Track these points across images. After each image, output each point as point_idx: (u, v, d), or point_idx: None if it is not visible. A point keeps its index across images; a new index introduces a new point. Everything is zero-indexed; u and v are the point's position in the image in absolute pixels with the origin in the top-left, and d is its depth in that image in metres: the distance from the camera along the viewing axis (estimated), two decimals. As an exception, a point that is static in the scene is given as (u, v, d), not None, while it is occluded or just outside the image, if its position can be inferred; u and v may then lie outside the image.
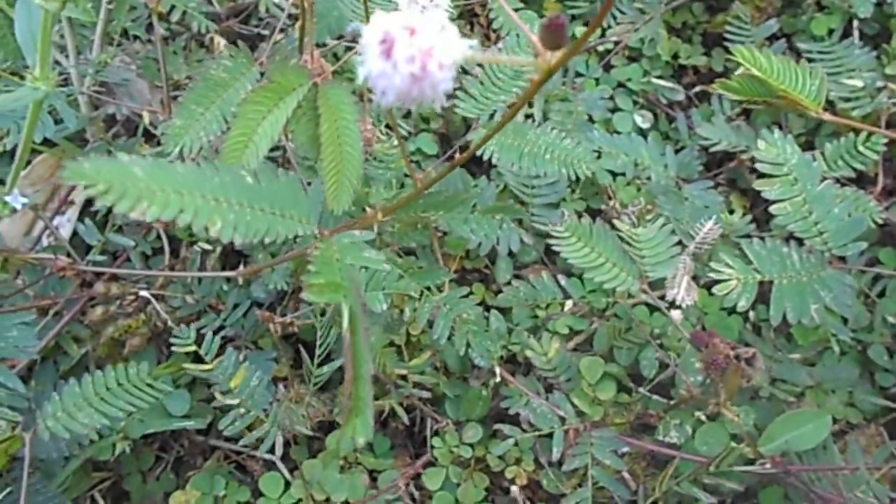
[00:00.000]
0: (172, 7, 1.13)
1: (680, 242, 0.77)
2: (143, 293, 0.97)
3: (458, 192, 0.96)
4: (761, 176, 0.84)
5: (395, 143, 1.01)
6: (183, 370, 1.09)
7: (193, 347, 0.89)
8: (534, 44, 0.49)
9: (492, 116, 0.93)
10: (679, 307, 0.75)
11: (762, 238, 0.84)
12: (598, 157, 0.91)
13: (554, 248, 0.73)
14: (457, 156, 1.09)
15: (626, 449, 0.85)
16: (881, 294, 1.06)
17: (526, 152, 0.90)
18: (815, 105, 0.70)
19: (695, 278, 0.76)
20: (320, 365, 1.15)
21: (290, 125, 0.74)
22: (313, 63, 0.83)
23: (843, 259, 0.83)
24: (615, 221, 0.74)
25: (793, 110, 0.73)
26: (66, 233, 1.27)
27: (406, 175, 1.05)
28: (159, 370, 1.05)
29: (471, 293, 1.01)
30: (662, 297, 0.75)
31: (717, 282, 0.79)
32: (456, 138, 1.36)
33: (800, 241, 0.82)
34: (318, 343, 0.98)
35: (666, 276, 0.74)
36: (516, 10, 1.10)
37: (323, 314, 0.94)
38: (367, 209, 0.91)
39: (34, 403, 0.91)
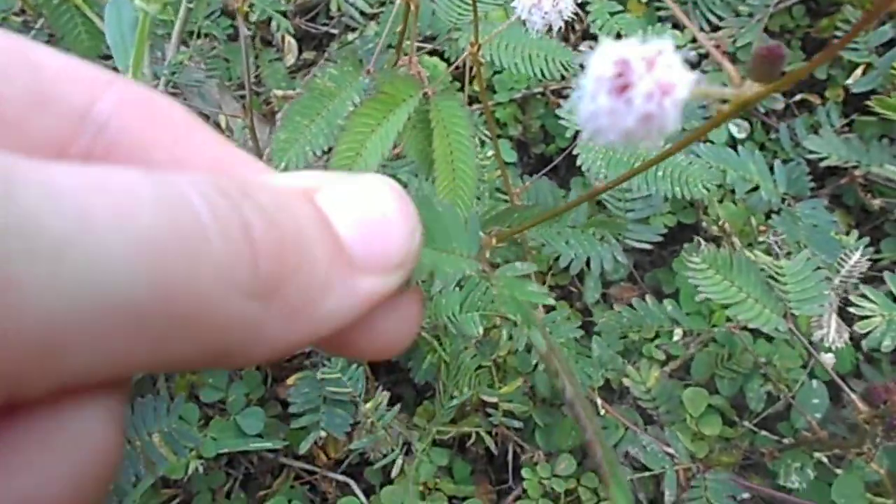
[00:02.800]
0: (252, 5, 1.08)
1: (826, 277, 0.70)
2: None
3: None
4: (889, 201, 0.76)
5: (490, 153, 0.95)
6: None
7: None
8: (729, 73, 0.43)
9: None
10: (830, 350, 0.68)
11: (876, 262, 0.76)
12: (724, 173, 0.84)
13: (690, 280, 0.67)
14: (544, 165, 1.03)
15: (745, 495, 0.79)
16: None
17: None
18: None
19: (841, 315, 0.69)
20: (389, 379, 1.10)
21: (399, 139, 0.69)
22: (413, 69, 0.78)
23: None
24: (757, 253, 0.68)
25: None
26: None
27: (498, 188, 0.99)
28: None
29: (569, 317, 0.95)
30: (804, 334, 0.68)
31: (858, 317, 0.72)
32: (534, 145, 1.30)
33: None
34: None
35: (812, 314, 0.67)
36: (614, 13, 1.03)
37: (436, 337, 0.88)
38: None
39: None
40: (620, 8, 1.03)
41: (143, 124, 0.24)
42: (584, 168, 0.87)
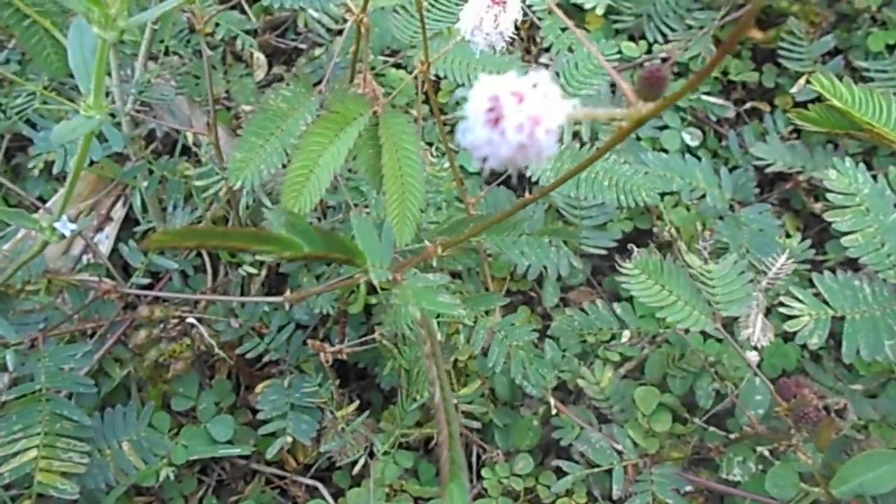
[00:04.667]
0: (217, 24, 1.12)
1: (752, 279, 0.74)
2: (190, 319, 0.95)
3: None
4: (827, 201, 0.81)
5: (446, 164, 0.99)
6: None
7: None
8: (625, 93, 0.47)
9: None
10: (755, 348, 0.72)
11: (821, 263, 0.81)
12: (671, 181, 0.88)
13: (623, 285, 0.71)
14: (502, 175, 1.07)
15: (689, 487, 0.83)
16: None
17: (583, 178, 0.88)
18: (902, 139, 0.67)
19: (767, 313, 0.73)
20: (358, 384, 1.14)
21: (350, 155, 0.73)
22: (366, 87, 0.82)
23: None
24: (686, 256, 0.72)
25: (879, 144, 0.70)
26: (105, 249, 1.26)
27: (456, 197, 1.03)
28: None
29: (521, 320, 0.99)
30: (732, 332, 0.72)
31: (787, 315, 0.76)
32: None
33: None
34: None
35: (739, 314, 0.71)
36: (564, 29, 1.07)
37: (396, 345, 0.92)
38: (422, 234, 0.89)
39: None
40: (569, 24, 1.07)
41: None
42: (532, 179, 0.91)
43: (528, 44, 1.35)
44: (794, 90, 1.13)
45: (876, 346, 0.77)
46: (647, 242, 1.15)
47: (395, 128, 0.73)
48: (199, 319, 1.03)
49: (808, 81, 1.16)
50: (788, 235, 1.12)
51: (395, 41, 1.19)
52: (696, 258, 0.72)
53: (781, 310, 0.75)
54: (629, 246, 0.77)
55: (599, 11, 1.26)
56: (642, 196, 0.87)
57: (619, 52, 1.29)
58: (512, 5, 0.71)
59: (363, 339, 0.96)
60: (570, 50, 1.05)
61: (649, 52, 1.28)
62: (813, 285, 0.80)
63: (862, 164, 0.80)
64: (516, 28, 0.77)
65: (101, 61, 0.71)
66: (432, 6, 0.92)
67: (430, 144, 1.06)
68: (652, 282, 0.68)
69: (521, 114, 0.33)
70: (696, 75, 0.42)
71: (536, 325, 1.12)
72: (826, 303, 0.77)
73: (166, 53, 1.22)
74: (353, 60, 0.85)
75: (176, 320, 1.05)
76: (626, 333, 0.92)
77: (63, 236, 0.90)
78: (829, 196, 0.78)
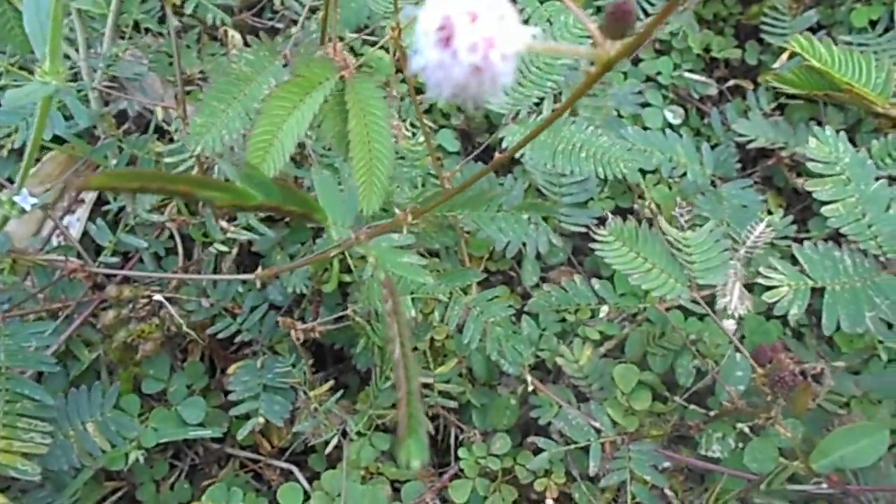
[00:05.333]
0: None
1: (730, 248, 0.73)
2: (157, 297, 0.92)
3: (485, 191, 0.92)
4: (809, 175, 0.79)
5: (421, 139, 0.96)
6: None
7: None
8: (592, 33, 0.44)
9: (517, 115, 0.89)
10: (732, 317, 0.70)
11: (803, 240, 0.79)
12: (651, 155, 0.86)
13: (597, 252, 0.69)
14: (481, 153, 1.05)
15: (666, 464, 0.81)
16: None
17: (560, 150, 0.86)
18: (882, 100, 0.65)
19: (749, 290, 0.71)
20: (335, 367, 1.11)
21: (316, 121, 0.70)
22: (336, 55, 0.79)
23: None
24: (663, 225, 0.70)
25: (857, 105, 0.69)
26: (76, 232, 1.23)
27: (431, 174, 1.00)
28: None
29: (497, 296, 0.97)
30: (710, 304, 0.70)
31: (767, 288, 0.74)
32: (478, 134, 1.32)
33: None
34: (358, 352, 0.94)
35: (716, 283, 0.69)
36: (543, 0, 1.05)
37: (369, 322, 0.89)
38: (396, 210, 0.86)
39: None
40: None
41: None
42: (504, 150, 0.89)
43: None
44: (776, 65, 1.12)
45: (856, 317, 0.75)
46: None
47: (362, 93, 0.70)
48: (169, 299, 1.00)
49: (790, 56, 1.14)
50: (770, 212, 1.10)
51: (372, 15, 1.17)
52: (674, 229, 0.70)
53: (760, 280, 0.73)
54: (607, 215, 0.75)
55: (580, -13, 1.23)
56: (620, 168, 0.85)
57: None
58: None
59: (337, 317, 0.94)
60: (549, 22, 1.03)
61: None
62: (794, 260, 0.78)
63: (843, 134, 0.78)
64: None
65: (56, 23, 0.68)
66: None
67: (405, 121, 1.04)
68: (627, 249, 0.66)
69: (474, 33, 0.31)
70: (663, 11, 0.40)
71: (515, 304, 1.11)
72: (806, 274, 0.76)
73: (136, 29, 1.19)
74: (321, 28, 0.82)
75: (145, 300, 1.02)
76: (605, 309, 0.90)
77: (23, 210, 0.87)
78: (809, 165, 0.77)
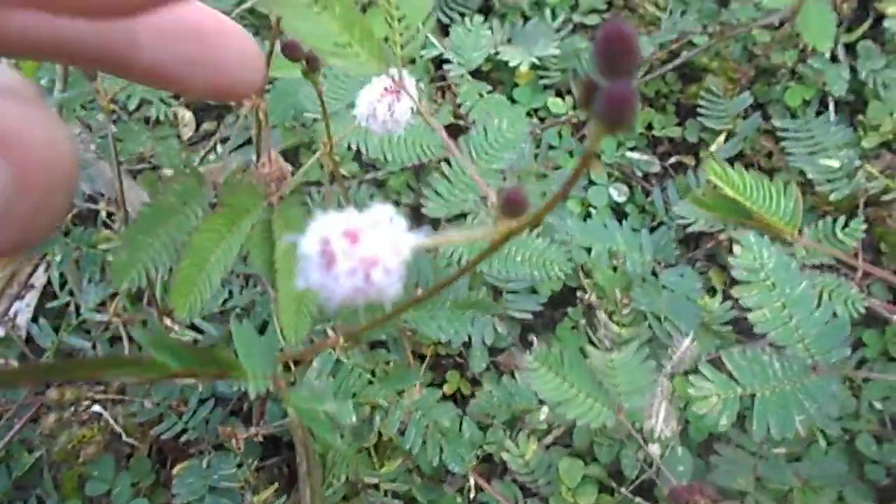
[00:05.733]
0: (128, 96, 1.09)
1: (658, 366, 0.74)
2: (96, 407, 0.91)
3: (436, 281, 0.92)
4: (735, 282, 0.81)
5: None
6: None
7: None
8: (496, 206, 0.45)
9: (457, 217, 0.90)
10: (658, 439, 0.71)
11: (742, 344, 0.81)
12: (570, 259, 0.87)
13: (525, 380, 0.69)
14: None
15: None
16: (866, 378, 1.03)
17: (497, 254, 0.87)
18: (790, 229, 0.67)
19: (674, 392, 0.72)
20: (290, 454, 1.10)
21: (243, 249, 0.70)
22: (271, 167, 0.80)
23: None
24: (601, 318, 0.71)
25: (768, 232, 0.71)
26: (25, 318, 1.22)
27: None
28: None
29: (444, 394, 0.97)
30: (640, 429, 0.71)
31: (697, 398, 0.75)
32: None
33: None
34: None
35: (642, 405, 0.70)
36: (487, 92, 1.07)
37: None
38: (329, 331, 0.87)
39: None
40: (489, 88, 1.07)
41: None
42: (446, 253, 0.90)
43: (454, 107, 1.34)
44: (713, 148, 1.14)
45: (786, 422, 0.76)
46: (576, 302, 1.15)
47: (290, 219, 0.71)
48: (112, 400, 0.99)
49: (726, 138, 1.17)
50: (715, 291, 1.12)
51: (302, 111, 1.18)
52: (597, 349, 0.71)
53: (690, 390, 0.74)
54: (531, 337, 0.76)
55: (524, 69, 1.26)
56: (556, 270, 0.86)
57: (546, 109, 1.30)
58: (405, 95, 0.70)
59: (280, 422, 0.93)
60: (489, 116, 1.05)
61: (575, 108, 1.28)
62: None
63: (766, 238, 0.80)
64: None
65: None
66: (339, 85, 0.91)
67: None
68: (553, 374, 0.67)
69: (353, 257, 0.31)
70: (558, 193, 0.41)
71: (465, 390, 1.11)
72: (735, 380, 0.77)
73: (84, 108, 1.20)
74: (255, 141, 0.83)
75: (88, 402, 1.01)
76: (545, 410, 0.91)
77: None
78: (734, 273, 0.78)
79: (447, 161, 0.91)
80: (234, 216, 0.69)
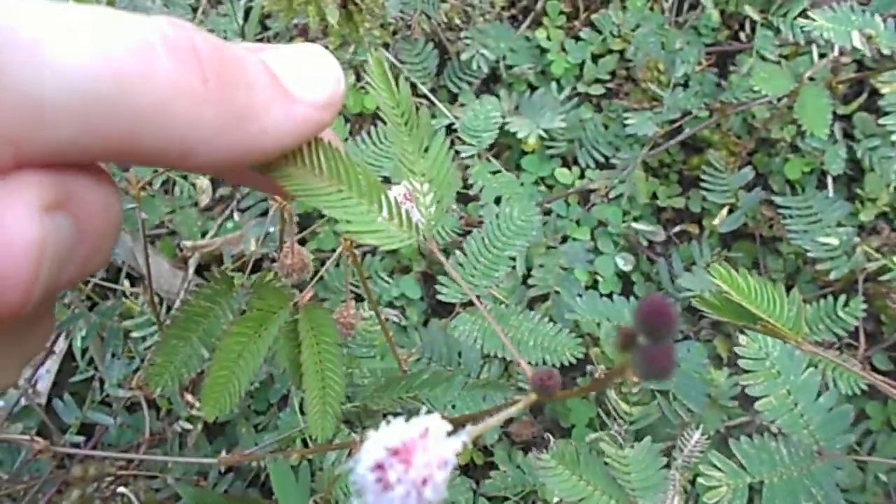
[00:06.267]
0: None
1: (668, 463, 0.76)
2: (121, 489, 0.94)
3: (442, 372, 0.95)
4: (742, 371, 0.84)
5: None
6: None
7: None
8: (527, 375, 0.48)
9: (470, 303, 0.93)
10: (672, 536, 0.73)
11: (746, 417, 0.83)
12: (580, 337, 0.90)
13: (540, 479, 0.72)
14: (440, 306, 1.08)
15: None
16: (871, 451, 1.05)
17: (509, 338, 0.90)
18: (794, 334, 0.70)
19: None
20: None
21: (270, 351, 0.74)
22: (294, 258, 0.83)
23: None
24: (602, 445, 0.74)
25: (772, 336, 0.74)
26: (45, 384, 1.25)
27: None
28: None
29: (457, 465, 1.00)
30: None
31: (708, 488, 0.78)
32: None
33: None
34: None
35: (656, 500, 0.73)
36: (494, 172, 1.11)
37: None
38: (353, 436, 0.89)
39: None
40: (498, 168, 1.11)
41: None
42: (460, 338, 0.93)
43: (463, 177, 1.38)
44: (716, 222, 1.18)
45: (793, 509, 0.79)
46: (585, 371, 1.18)
47: (315, 321, 0.74)
48: (134, 476, 1.02)
49: (729, 211, 1.21)
50: (721, 361, 1.15)
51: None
52: (611, 445, 0.74)
53: (700, 480, 0.77)
54: (546, 436, 0.79)
55: (532, 140, 1.30)
56: (567, 355, 0.89)
57: (553, 177, 1.34)
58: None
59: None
60: (497, 201, 1.09)
61: (582, 177, 1.32)
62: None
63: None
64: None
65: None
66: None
67: (360, 298, 1.08)
68: (569, 472, 0.70)
69: (406, 482, 0.34)
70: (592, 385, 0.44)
71: (478, 459, 1.14)
72: (744, 468, 0.79)
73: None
74: (279, 237, 0.87)
75: (111, 478, 1.03)
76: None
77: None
78: (740, 363, 0.81)
79: (461, 249, 0.94)
80: (262, 319, 0.73)
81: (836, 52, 1.12)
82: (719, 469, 0.79)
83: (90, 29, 0.23)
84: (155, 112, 0.23)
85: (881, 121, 0.95)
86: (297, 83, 0.28)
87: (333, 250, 1.34)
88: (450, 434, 0.38)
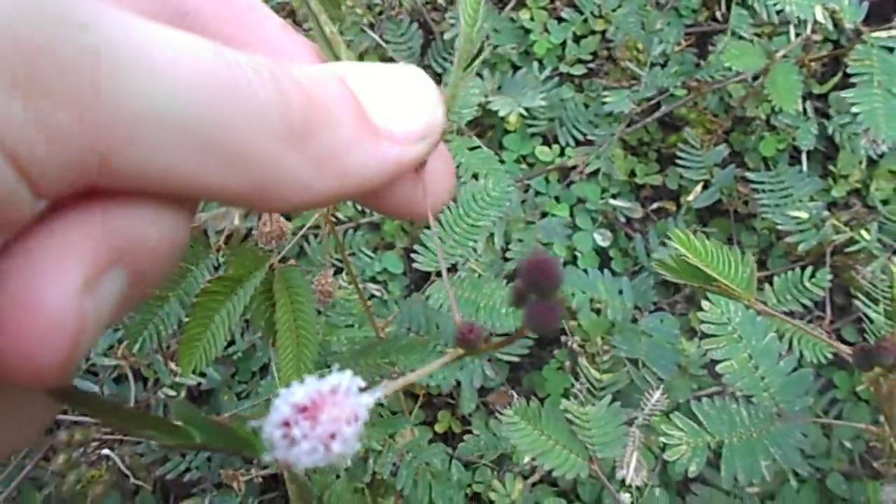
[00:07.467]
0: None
1: (630, 422, 0.79)
2: (105, 451, 0.96)
3: (417, 338, 0.98)
4: (704, 335, 0.87)
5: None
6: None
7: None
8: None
9: (450, 269, 0.96)
10: (629, 489, 0.76)
11: (717, 387, 0.86)
12: (573, 296, 0.93)
13: (504, 434, 0.75)
14: (423, 277, 1.11)
15: None
16: (837, 417, 1.08)
17: (483, 306, 0.92)
18: (746, 294, 0.72)
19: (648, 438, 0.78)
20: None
21: (246, 311, 0.76)
22: (272, 225, 0.86)
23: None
24: (564, 403, 0.76)
25: (727, 296, 0.77)
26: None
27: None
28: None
29: (435, 433, 1.02)
30: (612, 476, 0.76)
31: (668, 445, 0.80)
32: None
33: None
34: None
35: (615, 455, 0.76)
36: (472, 148, 1.14)
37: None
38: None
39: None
40: (478, 143, 1.13)
41: (222, 18, 0.29)
42: (435, 306, 0.95)
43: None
44: (690, 197, 1.21)
45: (753, 468, 0.82)
46: (561, 344, 1.20)
47: (289, 282, 0.76)
48: (119, 441, 1.04)
49: (704, 187, 1.24)
50: (694, 333, 1.18)
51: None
52: (573, 401, 0.77)
53: (661, 438, 0.80)
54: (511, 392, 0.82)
55: (513, 118, 1.32)
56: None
57: (534, 155, 1.36)
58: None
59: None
60: (475, 177, 1.11)
61: (562, 155, 1.35)
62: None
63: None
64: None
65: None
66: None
67: (341, 271, 1.10)
68: (531, 427, 0.72)
69: (312, 437, 0.35)
70: (517, 333, 0.47)
71: (456, 427, 1.17)
72: (705, 429, 0.82)
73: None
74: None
75: (96, 443, 1.06)
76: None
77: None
78: (703, 328, 0.84)
79: (437, 220, 0.97)
80: (238, 280, 0.75)
81: (808, 31, 1.14)
82: (680, 429, 0.81)
83: (201, 42, 0.21)
84: (243, 148, 0.22)
85: (843, 93, 0.97)
86: (387, 114, 0.26)
87: (317, 227, 1.37)
88: (363, 390, 0.39)
